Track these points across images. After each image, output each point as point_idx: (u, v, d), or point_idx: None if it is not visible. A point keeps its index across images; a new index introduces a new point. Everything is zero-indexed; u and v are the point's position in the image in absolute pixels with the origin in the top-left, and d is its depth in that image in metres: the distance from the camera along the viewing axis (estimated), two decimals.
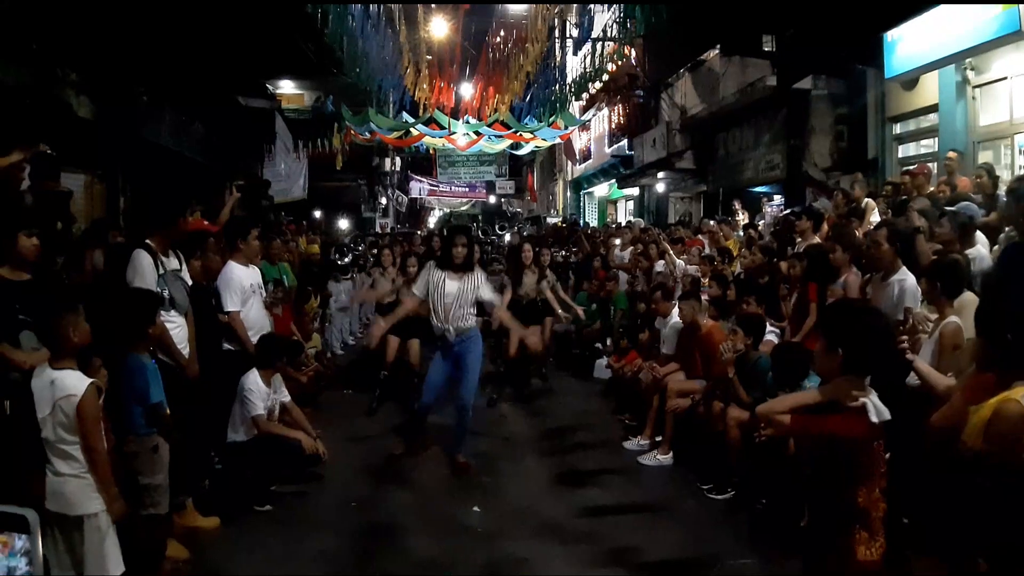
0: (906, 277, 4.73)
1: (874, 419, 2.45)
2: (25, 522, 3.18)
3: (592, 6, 17.71)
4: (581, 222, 23.85)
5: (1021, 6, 7.12)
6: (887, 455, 2.62)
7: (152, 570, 4.00)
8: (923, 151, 10.14)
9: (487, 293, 5.99)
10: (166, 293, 4.64)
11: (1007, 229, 5.48)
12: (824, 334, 2.63)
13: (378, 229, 25.84)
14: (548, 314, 8.91)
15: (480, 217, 39.92)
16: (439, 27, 19.72)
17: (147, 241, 4.73)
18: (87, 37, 7.64)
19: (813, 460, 2.65)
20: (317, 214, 21.05)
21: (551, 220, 26.70)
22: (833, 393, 2.52)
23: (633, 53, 18.05)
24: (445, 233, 7.16)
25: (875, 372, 2.58)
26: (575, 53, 22.12)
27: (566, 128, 20.45)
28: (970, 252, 5.08)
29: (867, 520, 2.43)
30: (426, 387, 6.08)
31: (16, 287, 3.86)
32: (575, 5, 19.25)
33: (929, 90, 9.43)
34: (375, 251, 11.66)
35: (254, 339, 5.63)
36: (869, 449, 2.47)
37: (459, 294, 5.84)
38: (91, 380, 3.37)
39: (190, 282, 5.04)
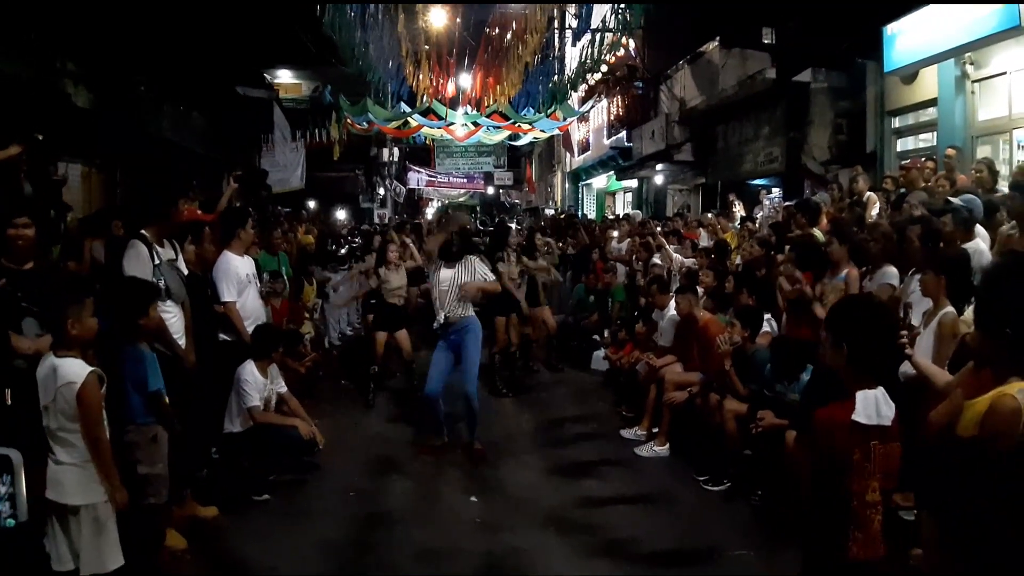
0: None
1: (860, 420, 2.44)
2: (9, 463, 3.26)
3: None
4: (580, 214, 23.80)
5: (1021, 2, 7.10)
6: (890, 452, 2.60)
7: (151, 560, 4.01)
8: (922, 145, 10.13)
9: (487, 274, 6.15)
10: (162, 283, 4.63)
11: (1006, 225, 5.46)
12: (829, 329, 2.64)
13: (376, 219, 25.80)
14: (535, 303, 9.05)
15: (479, 208, 39.82)
16: (438, 17, 19.62)
17: (142, 231, 4.72)
18: (86, 27, 7.61)
19: (810, 455, 2.64)
20: (312, 204, 21.01)
21: (549, 211, 26.64)
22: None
23: (632, 44, 17.97)
24: (442, 221, 7.24)
25: (881, 366, 2.58)
26: (574, 44, 22.03)
27: (565, 119, 20.35)
28: (969, 246, 5.08)
29: (861, 521, 2.41)
30: (429, 377, 6.15)
31: (20, 275, 3.85)
32: None
33: (928, 84, 9.42)
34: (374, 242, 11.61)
35: (250, 329, 5.63)
36: (857, 446, 2.43)
37: (453, 282, 5.95)
38: (92, 368, 3.37)
39: (186, 272, 5.04)
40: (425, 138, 25.04)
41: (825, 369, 2.87)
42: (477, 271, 6.09)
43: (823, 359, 2.68)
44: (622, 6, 13.70)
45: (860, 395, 2.48)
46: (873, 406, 2.47)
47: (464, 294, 5.98)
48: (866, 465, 2.41)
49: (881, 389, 2.52)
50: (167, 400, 4.06)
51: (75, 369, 3.33)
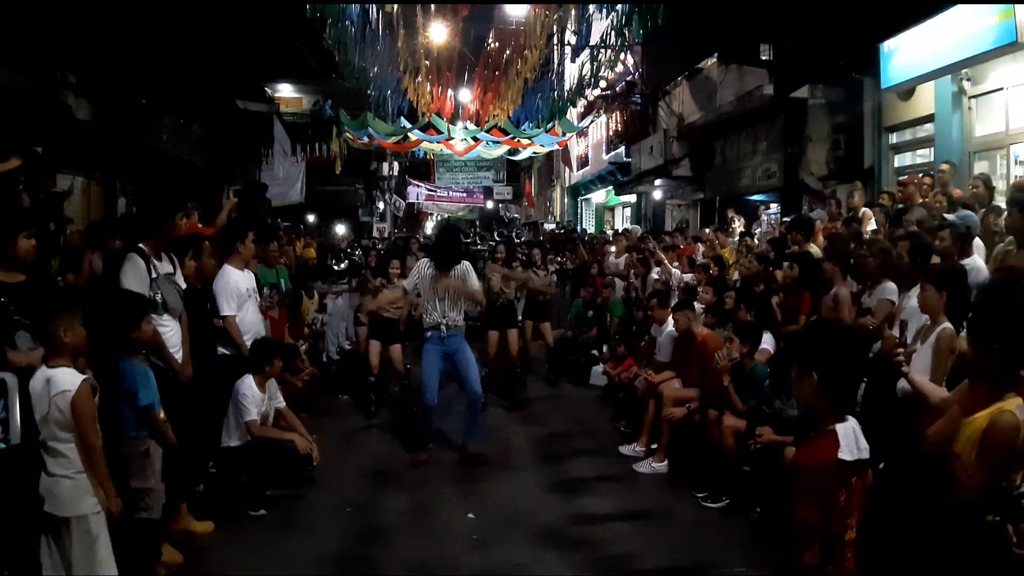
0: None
1: (846, 457, 2.40)
2: (3, 386, 3.33)
3: (591, 13, 17.74)
4: (579, 228, 23.84)
5: (1018, 18, 7.14)
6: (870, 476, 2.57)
7: (146, 575, 3.99)
8: (919, 161, 10.16)
9: (473, 281, 6.32)
10: (159, 297, 4.62)
11: (1002, 242, 5.46)
12: (796, 358, 2.59)
13: (375, 233, 25.80)
14: (542, 318, 9.04)
15: (478, 222, 39.86)
16: (438, 32, 19.70)
17: (140, 245, 4.73)
18: (86, 39, 7.63)
19: (797, 489, 2.61)
20: (311, 218, 21.02)
21: (548, 226, 26.68)
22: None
23: (631, 60, 18.08)
24: (437, 234, 7.41)
25: (853, 395, 2.55)
26: (573, 60, 22.13)
27: (564, 135, 20.45)
28: (967, 262, 5.07)
29: (838, 560, 2.40)
30: (426, 387, 6.22)
31: (11, 289, 3.85)
32: (573, 12, 19.27)
33: (925, 100, 9.47)
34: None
35: (249, 344, 5.62)
36: (842, 488, 2.39)
37: (449, 289, 6.18)
38: (85, 376, 3.38)
39: (184, 286, 5.03)
40: (425, 152, 25.14)
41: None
42: (468, 279, 6.27)
43: (794, 393, 2.63)
44: (620, 22, 13.79)
45: (840, 429, 2.42)
46: (853, 440, 2.42)
47: (456, 295, 6.18)
48: (848, 506, 2.38)
49: (853, 420, 2.48)
50: (162, 414, 4.05)
51: (68, 378, 3.34)
